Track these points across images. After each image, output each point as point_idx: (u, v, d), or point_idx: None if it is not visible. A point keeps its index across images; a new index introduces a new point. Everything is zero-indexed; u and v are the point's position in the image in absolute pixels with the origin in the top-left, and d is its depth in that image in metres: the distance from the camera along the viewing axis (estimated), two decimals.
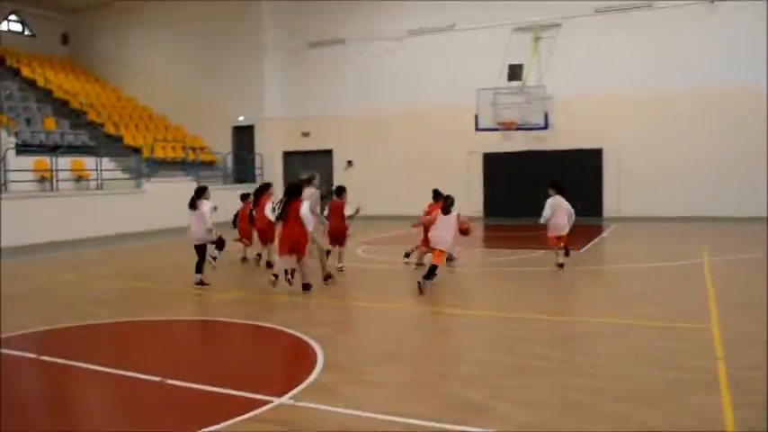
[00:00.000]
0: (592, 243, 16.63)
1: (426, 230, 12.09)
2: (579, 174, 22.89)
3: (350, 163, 28.60)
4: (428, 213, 12.22)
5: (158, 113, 31.22)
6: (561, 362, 6.74)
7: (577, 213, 12.94)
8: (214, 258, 13.15)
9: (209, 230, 11.61)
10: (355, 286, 12.03)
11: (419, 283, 10.45)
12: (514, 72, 23.40)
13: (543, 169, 22.77)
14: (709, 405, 5.33)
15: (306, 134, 29.68)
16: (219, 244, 12.65)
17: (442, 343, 7.74)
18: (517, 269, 13.34)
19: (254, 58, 29.60)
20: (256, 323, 8.82)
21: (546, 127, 23.47)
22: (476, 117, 23.75)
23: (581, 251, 15.65)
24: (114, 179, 22.99)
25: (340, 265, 12.97)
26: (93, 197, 21.39)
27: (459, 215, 11.09)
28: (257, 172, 29.90)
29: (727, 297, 9.70)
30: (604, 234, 19.25)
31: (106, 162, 23.33)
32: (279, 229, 11.20)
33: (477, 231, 20.23)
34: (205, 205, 11.66)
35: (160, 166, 26.09)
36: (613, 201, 23.60)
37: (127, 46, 32.84)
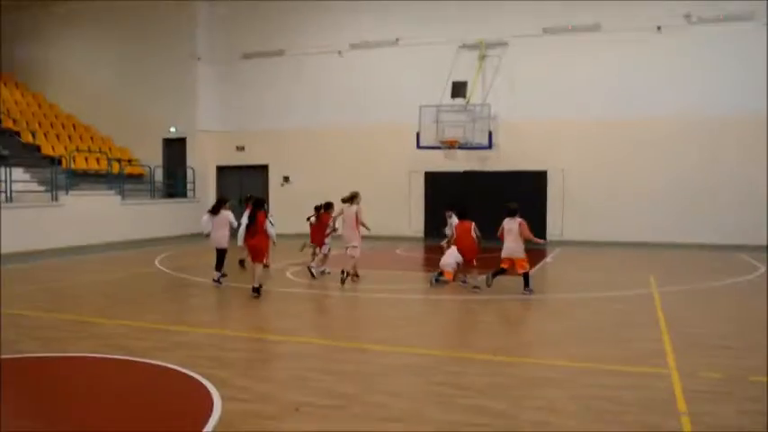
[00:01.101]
0: (536, 268, 15.77)
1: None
2: (523, 195, 22.20)
3: (286, 179, 27.43)
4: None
5: (83, 122, 29.42)
6: (504, 418, 5.69)
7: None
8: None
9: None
10: (277, 314, 10.91)
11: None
12: (458, 89, 22.60)
13: (486, 189, 22.12)
14: None
15: (241, 148, 28.40)
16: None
17: (361, 390, 6.57)
18: (455, 297, 12.32)
19: (187, 68, 28.14)
20: (148, 361, 7.53)
21: (490, 147, 22.73)
22: (417, 134, 22.86)
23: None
24: (27, 191, 21.22)
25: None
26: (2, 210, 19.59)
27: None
28: (189, 186, 28.42)
29: (681, 334, 8.85)
30: (548, 259, 18.47)
31: (20, 173, 21.59)
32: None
33: (417, 253, 19.32)
34: (228, 215, 13.78)
35: (82, 179, 24.41)
36: (557, 224, 22.99)
37: (51, 49, 30.88)
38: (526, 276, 12.28)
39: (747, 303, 11.63)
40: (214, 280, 13.46)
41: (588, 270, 16.32)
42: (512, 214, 12.37)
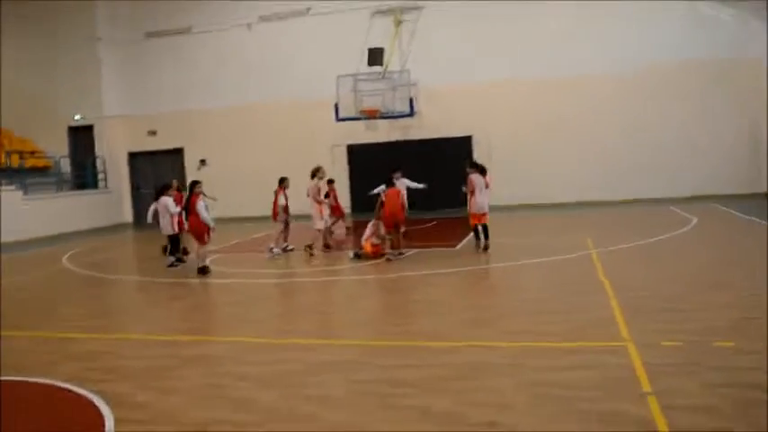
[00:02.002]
0: (467, 238, 15.14)
1: None
2: (448, 162, 21.66)
3: (203, 162, 26.03)
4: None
5: None
6: (450, 422, 4.93)
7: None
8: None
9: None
10: (191, 310, 9.93)
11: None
12: (375, 56, 21.61)
13: (411, 159, 21.39)
14: None
15: (153, 132, 26.84)
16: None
17: (284, 398, 5.69)
18: (384, 276, 11.54)
19: (88, 50, 26.31)
20: (26, 379, 6.49)
21: (412, 114, 21.90)
22: (336, 106, 21.83)
23: (457, 248, 14.16)
24: None
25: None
26: None
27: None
28: (99, 176, 26.74)
29: (629, 298, 8.29)
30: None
31: None
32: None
33: (343, 230, 18.47)
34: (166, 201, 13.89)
35: None
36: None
37: None
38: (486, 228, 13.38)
39: (686, 259, 11.27)
40: (168, 265, 13.75)
41: (522, 236, 15.72)
42: (483, 172, 13.50)
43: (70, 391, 6.07)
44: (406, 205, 14.12)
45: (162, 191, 14.28)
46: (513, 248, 13.60)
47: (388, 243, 13.08)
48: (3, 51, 26.79)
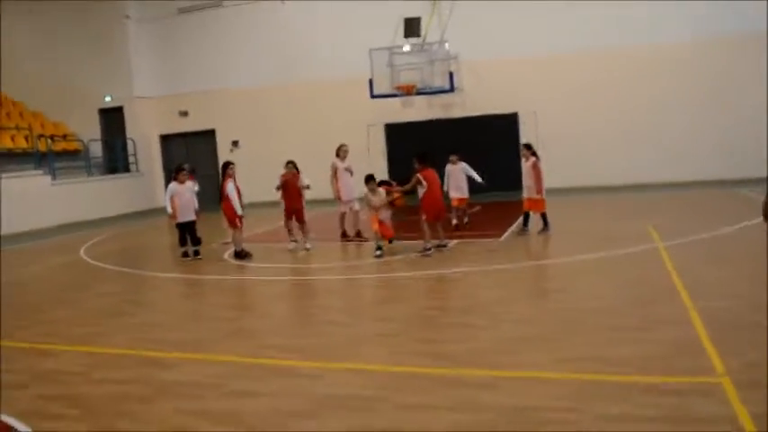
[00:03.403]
0: (512, 228, 13.63)
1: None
2: (492, 142, 20.15)
3: (235, 143, 25.00)
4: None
5: (11, 99, 26.44)
6: None
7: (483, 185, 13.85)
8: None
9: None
10: (187, 317, 8.69)
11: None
12: (411, 27, 20.05)
13: (452, 139, 19.97)
14: None
15: (184, 113, 25.86)
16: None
17: None
18: (413, 275, 10.11)
19: (116, 29, 25.36)
20: None
21: (452, 90, 20.30)
22: (370, 81, 20.35)
23: (501, 239, 12.70)
24: None
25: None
26: None
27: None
28: (131, 160, 25.84)
29: (712, 309, 6.75)
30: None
31: None
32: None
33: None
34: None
35: (6, 159, 21.73)
36: None
37: None
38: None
39: None
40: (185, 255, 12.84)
41: (574, 225, 14.11)
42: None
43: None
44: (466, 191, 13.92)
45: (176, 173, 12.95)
46: (565, 240, 12.08)
47: (428, 234, 11.42)
48: (32, 35, 26.02)
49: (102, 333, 7.79)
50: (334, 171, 13.60)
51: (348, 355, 6.34)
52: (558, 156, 19.98)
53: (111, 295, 10.17)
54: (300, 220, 12.84)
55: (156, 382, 5.86)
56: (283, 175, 12.78)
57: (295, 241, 12.94)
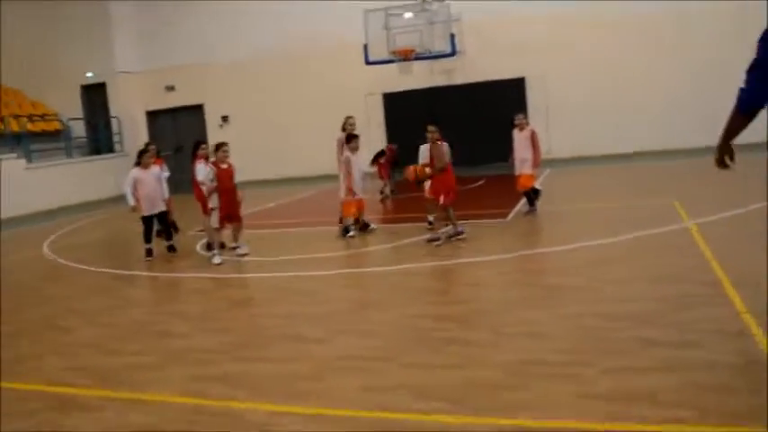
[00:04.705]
0: (520, 203, 12.17)
1: None
2: (498, 109, 18.52)
3: (225, 119, 23.51)
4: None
5: None
6: None
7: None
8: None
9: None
10: (128, 332, 7.10)
11: None
12: None
13: (454, 107, 18.47)
14: None
15: (170, 88, 24.32)
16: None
17: None
18: (440, 263, 8.66)
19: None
20: None
21: (453, 54, 18.63)
22: (365, 46, 18.72)
23: (507, 219, 11.24)
24: None
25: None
26: None
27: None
28: (115, 139, 24.40)
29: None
30: (537, 185, 14.73)
31: None
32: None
33: (376, 195, 15.71)
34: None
35: None
36: (542, 141, 19.21)
37: None
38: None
39: None
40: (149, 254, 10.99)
41: (590, 200, 12.57)
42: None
43: None
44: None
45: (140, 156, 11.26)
46: (581, 220, 10.60)
47: (437, 223, 9.89)
48: (6, 8, 24.49)
49: (15, 360, 6.35)
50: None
51: (308, 392, 4.91)
52: (568, 122, 18.45)
53: (54, 302, 8.68)
54: (238, 219, 10.29)
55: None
56: (215, 163, 10.00)
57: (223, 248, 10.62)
